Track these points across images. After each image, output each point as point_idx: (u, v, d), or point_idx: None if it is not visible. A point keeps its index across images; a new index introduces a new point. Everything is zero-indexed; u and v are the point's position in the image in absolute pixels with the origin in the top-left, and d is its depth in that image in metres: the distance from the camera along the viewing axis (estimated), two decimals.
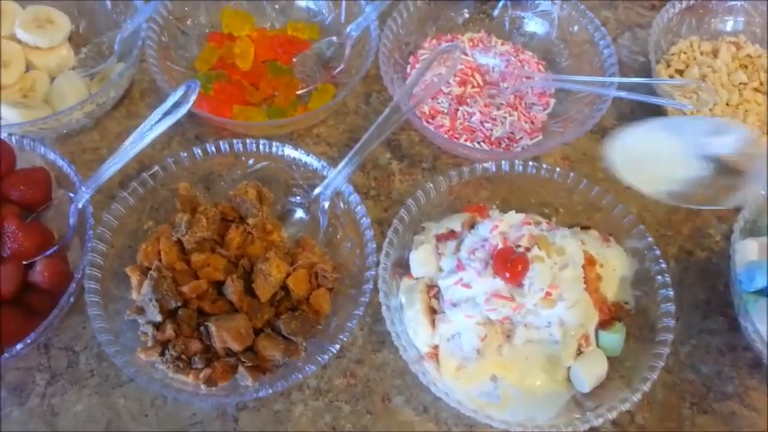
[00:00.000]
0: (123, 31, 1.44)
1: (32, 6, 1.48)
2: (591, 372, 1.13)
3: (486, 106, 1.45)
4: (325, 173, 1.26)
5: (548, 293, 1.09)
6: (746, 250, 1.20)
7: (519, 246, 1.12)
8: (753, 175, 1.09)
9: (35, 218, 1.24)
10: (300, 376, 1.07)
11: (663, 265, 1.18)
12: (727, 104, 1.45)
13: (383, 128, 1.23)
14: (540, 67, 1.56)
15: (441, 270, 1.19)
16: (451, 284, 1.15)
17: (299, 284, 1.18)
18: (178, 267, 1.16)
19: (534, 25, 1.59)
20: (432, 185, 1.25)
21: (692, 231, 1.37)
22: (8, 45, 1.43)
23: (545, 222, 1.25)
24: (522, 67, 1.53)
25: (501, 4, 1.60)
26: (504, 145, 1.42)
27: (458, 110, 1.45)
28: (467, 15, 1.61)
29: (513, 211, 1.21)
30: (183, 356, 1.11)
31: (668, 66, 1.53)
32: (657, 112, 1.46)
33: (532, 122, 1.46)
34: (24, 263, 1.15)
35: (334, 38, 1.52)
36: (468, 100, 1.46)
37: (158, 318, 1.11)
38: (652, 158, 1.18)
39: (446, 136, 1.41)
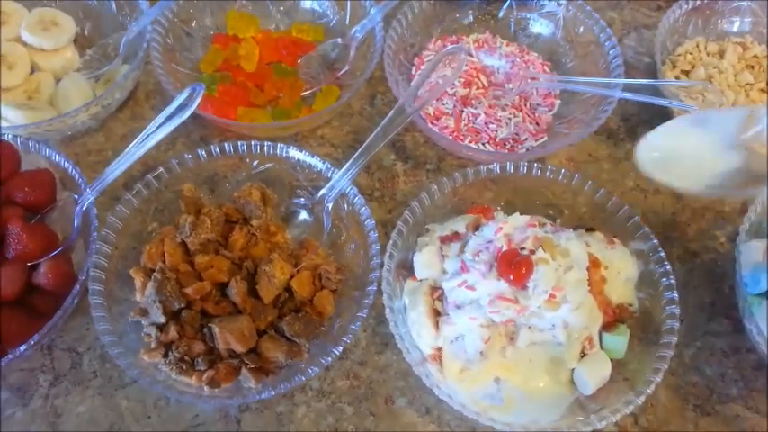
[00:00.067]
0: (128, 33, 1.44)
1: (38, 9, 1.49)
2: (594, 374, 1.12)
3: (490, 107, 1.45)
4: (329, 174, 1.26)
5: (552, 296, 1.09)
6: (752, 252, 1.20)
7: (523, 248, 1.12)
8: None
9: (39, 219, 1.24)
10: (303, 378, 1.08)
11: (667, 267, 1.17)
12: (733, 105, 1.44)
13: (388, 129, 1.23)
14: (546, 68, 1.56)
15: (445, 272, 1.19)
16: (455, 286, 1.14)
17: (303, 286, 1.18)
18: (182, 269, 1.17)
19: (539, 26, 1.59)
20: (436, 187, 1.25)
21: (696, 233, 1.36)
22: (13, 47, 1.44)
23: (549, 224, 1.25)
24: (527, 68, 1.53)
25: (506, 5, 1.59)
26: (508, 146, 1.41)
27: (462, 111, 1.45)
28: (472, 17, 1.61)
29: (518, 213, 1.20)
30: (186, 358, 1.11)
31: (674, 67, 1.52)
32: (663, 113, 1.46)
33: (537, 124, 1.45)
34: (28, 264, 1.15)
35: (339, 39, 1.52)
36: (473, 101, 1.46)
37: (162, 319, 1.12)
38: (683, 155, 1.16)
39: (451, 137, 1.41)
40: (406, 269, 1.23)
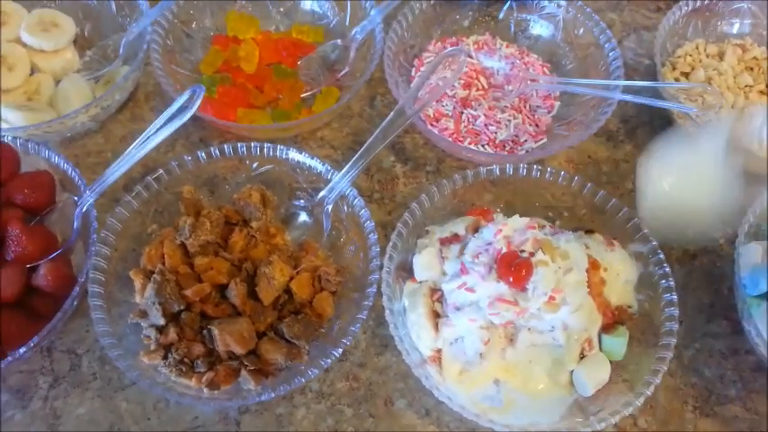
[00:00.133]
0: (128, 34, 1.44)
1: (37, 9, 1.49)
2: (594, 376, 1.13)
3: (490, 109, 1.45)
4: (329, 176, 1.26)
5: (551, 298, 1.09)
6: (751, 254, 1.20)
7: (523, 250, 1.12)
8: None
9: (39, 221, 1.24)
10: (303, 380, 1.08)
11: (667, 269, 1.18)
12: (733, 107, 1.44)
13: (388, 131, 1.23)
14: (545, 69, 1.56)
15: (444, 274, 1.19)
16: (455, 288, 1.14)
17: (303, 288, 1.18)
18: (181, 271, 1.16)
19: (539, 28, 1.59)
20: (436, 189, 1.25)
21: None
22: (13, 48, 1.44)
23: (549, 226, 1.25)
24: (527, 69, 1.53)
25: (506, 6, 1.59)
26: (508, 148, 1.41)
27: (462, 113, 1.45)
28: (472, 18, 1.61)
29: (518, 215, 1.20)
30: (185, 360, 1.11)
31: (674, 68, 1.52)
32: (663, 115, 1.46)
33: (537, 125, 1.45)
34: (28, 266, 1.15)
35: (339, 41, 1.52)
36: (473, 103, 1.46)
37: (161, 321, 1.12)
38: (683, 202, 1.15)
39: (450, 139, 1.41)
40: (406, 271, 1.23)
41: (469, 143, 1.41)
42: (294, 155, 1.28)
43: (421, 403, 1.17)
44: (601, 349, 1.16)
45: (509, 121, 1.44)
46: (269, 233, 1.24)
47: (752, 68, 1.51)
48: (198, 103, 1.16)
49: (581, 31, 1.53)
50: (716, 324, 1.26)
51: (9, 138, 1.26)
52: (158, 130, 1.16)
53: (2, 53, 1.42)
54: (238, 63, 1.50)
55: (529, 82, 1.49)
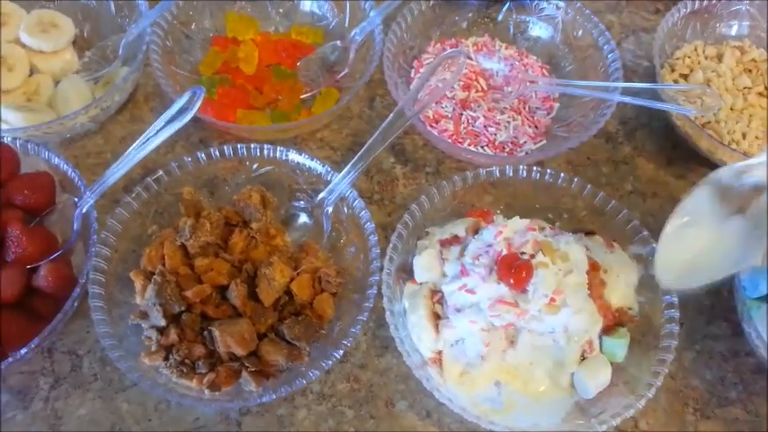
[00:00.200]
0: (128, 35, 1.44)
1: (37, 10, 1.49)
2: (595, 378, 1.13)
3: (489, 110, 1.45)
4: (328, 177, 1.26)
5: (552, 299, 1.09)
6: None
7: (523, 253, 1.12)
8: None
9: (39, 222, 1.24)
10: (304, 381, 1.07)
11: None
12: (731, 109, 1.44)
13: (387, 133, 1.24)
14: (544, 71, 1.56)
15: (444, 275, 1.19)
16: (455, 290, 1.14)
17: (303, 289, 1.18)
18: (182, 272, 1.16)
19: (538, 29, 1.59)
20: (435, 190, 1.26)
21: None
22: (12, 49, 1.44)
23: (549, 228, 1.25)
24: (526, 71, 1.53)
25: (505, 8, 1.60)
26: (507, 149, 1.42)
27: (462, 114, 1.45)
28: (471, 19, 1.61)
29: (518, 217, 1.20)
30: (186, 361, 1.11)
31: (672, 70, 1.52)
32: (662, 116, 1.47)
33: (536, 127, 1.46)
34: (28, 267, 1.15)
35: (339, 42, 1.52)
36: (472, 104, 1.46)
37: (162, 322, 1.11)
38: (698, 254, 1.11)
39: (450, 140, 1.41)
40: (406, 272, 1.23)
41: (469, 144, 1.41)
42: (294, 156, 1.28)
43: (422, 405, 1.17)
44: (602, 351, 1.16)
45: (508, 122, 1.44)
46: (269, 234, 1.24)
47: (750, 70, 1.51)
48: (198, 104, 1.16)
49: (580, 32, 1.53)
50: (716, 326, 1.26)
51: (9, 139, 1.25)
52: (158, 131, 1.16)
53: (2, 54, 1.42)
54: (238, 64, 1.50)
55: (528, 83, 1.49)
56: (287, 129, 1.43)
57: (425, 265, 1.21)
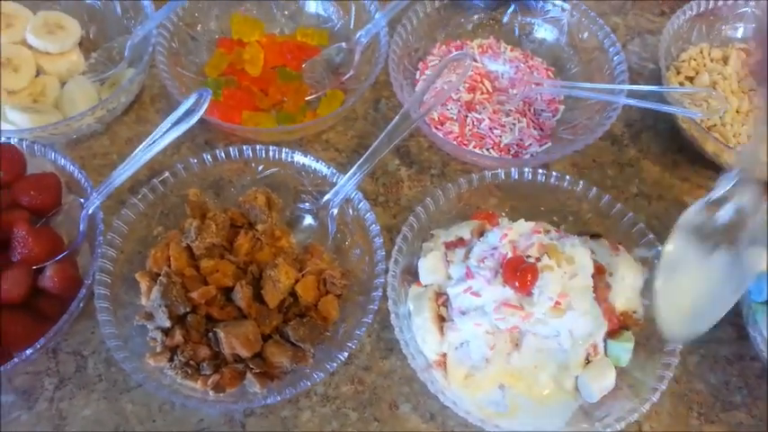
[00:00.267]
0: (134, 36, 1.44)
1: (43, 12, 1.49)
2: (599, 381, 1.13)
3: (495, 113, 1.45)
4: (334, 179, 1.26)
5: (557, 303, 1.09)
6: (756, 260, 1.20)
7: (529, 256, 1.12)
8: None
9: (45, 223, 1.24)
10: (309, 383, 1.07)
11: None
12: (737, 112, 1.44)
13: (393, 135, 1.24)
14: (550, 73, 1.56)
15: (450, 278, 1.19)
16: (460, 292, 1.14)
17: (308, 291, 1.18)
18: (187, 273, 1.17)
19: (544, 32, 1.59)
20: (441, 192, 1.26)
21: None
22: (19, 50, 1.44)
23: (554, 230, 1.25)
24: (532, 73, 1.53)
25: (511, 10, 1.60)
26: (513, 152, 1.42)
27: (467, 116, 1.45)
28: (477, 22, 1.61)
29: (523, 220, 1.20)
30: (191, 362, 1.11)
31: (678, 73, 1.52)
32: (667, 119, 1.46)
33: (541, 129, 1.46)
34: (34, 268, 1.15)
35: (344, 44, 1.52)
36: (478, 106, 1.46)
37: (167, 323, 1.12)
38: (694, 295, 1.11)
39: (455, 142, 1.41)
40: (411, 275, 1.23)
41: (474, 147, 1.41)
42: (299, 158, 1.28)
43: (426, 407, 1.17)
44: (606, 355, 1.16)
45: (513, 124, 1.44)
46: (274, 236, 1.24)
47: None
48: (205, 106, 1.16)
49: (585, 34, 1.53)
50: (721, 330, 1.25)
51: (15, 140, 1.26)
52: (165, 133, 1.17)
53: (8, 55, 1.42)
54: (243, 66, 1.50)
55: (533, 86, 1.49)
56: (292, 130, 1.43)
57: (430, 267, 1.21)
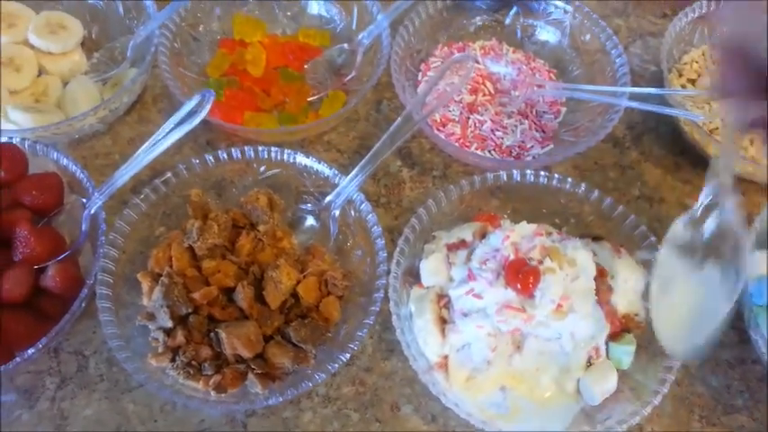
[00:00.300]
0: (136, 37, 1.44)
1: (45, 12, 1.49)
2: (601, 384, 1.13)
3: (497, 114, 1.45)
4: (336, 180, 1.26)
5: (559, 305, 1.09)
6: (757, 263, 1.20)
7: (531, 259, 1.12)
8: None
9: (47, 223, 1.24)
10: (310, 384, 1.07)
11: None
12: None
13: (395, 137, 1.23)
14: (552, 75, 1.56)
15: (451, 280, 1.19)
16: (462, 294, 1.14)
17: (309, 292, 1.18)
18: (189, 274, 1.17)
19: (546, 34, 1.59)
20: (443, 194, 1.25)
21: None
22: (21, 50, 1.44)
23: (556, 233, 1.25)
24: (534, 75, 1.53)
25: (513, 12, 1.60)
26: (515, 153, 1.42)
27: (469, 118, 1.45)
28: (479, 23, 1.61)
29: (525, 222, 1.20)
30: (193, 363, 1.11)
31: (680, 75, 1.52)
32: (669, 121, 1.46)
33: (543, 131, 1.46)
34: (36, 267, 1.15)
35: (346, 45, 1.52)
36: (480, 108, 1.46)
37: (169, 324, 1.12)
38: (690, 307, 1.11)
39: (457, 144, 1.41)
40: (413, 276, 1.23)
41: (476, 148, 1.41)
42: (301, 159, 1.28)
43: (427, 409, 1.17)
44: (608, 357, 1.16)
45: (515, 126, 1.44)
46: (276, 237, 1.24)
47: None
48: (208, 107, 1.16)
49: (587, 36, 1.53)
50: (722, 333, 1.25)
51: (17, 139, 1.26)
52: (168, 133, 1.17)
53: (10, 55, 1.42)
54: (245, 66, 1.50)
55: (535, 88, 1.49)
56: (294, 131, 1.43)
57: (432, 269, 1.21)
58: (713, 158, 1.09)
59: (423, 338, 1.16)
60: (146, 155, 1.18)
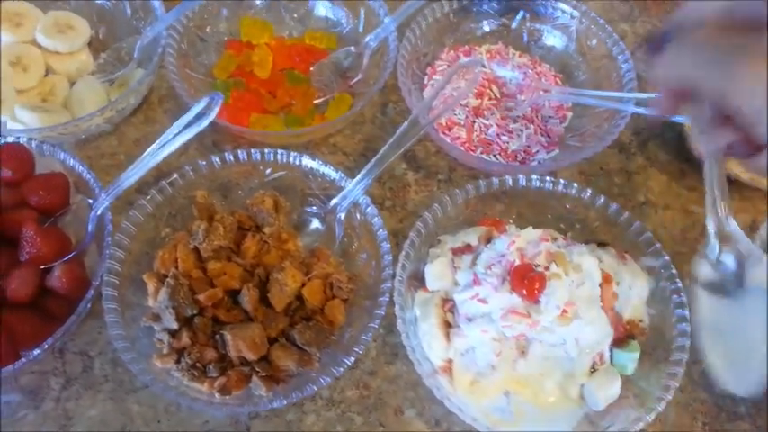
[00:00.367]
0: (143, 37, 1.44)
1: (53, 12, 1.49)
2: (605, 390, 1.13)
3: (502, 119, 1.45)
4: (342, 183, 1.26)
5: (564, 311, 1.09)
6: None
7: (537, 265, 1.12)
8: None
9: (53, 223, 1.24)
10: (314, 387, 1.07)
11: (679, 284, 1.17)
12: None
13: (401, 141, 1.23)
14: (558, 80, 1.56)
15: (456, 284, 1.19)
16: (467, 299, 1.14)
17: (314, 294, 1.18)
18: (194, 275, 1.17)
19: (552, 38, 1.59)
20: (448, 198, 1.26)
21: None
22: (28, 50, 1.44)
23: (561, 238, 1.25)
24: (540, 79, 1.53)
25: (520, 16, 1.60)
26: (520, 158, 1.42)
27: (474, 122, 1.45)
28: (486, 27, 1.61)
29: (531, 227, 1.20)
30: (197, 364, 1.11)
31: None
32: (675, 127, 1.46)
33: (549, 136, 1.46)
34: (42, 268, 1.16)
35: (352, 48, 1.52)
36: (485, 112, 1.46)
37: (174, 325, 1.12)
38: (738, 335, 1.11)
39: (462, 148, 1.41)
40: (418, 280, 1.23)
41: (481, 153, 1.41)
42: (307, 161, 1.28)
43: (431, 413, 1.18)
44: (612, 363, 1.16)
45: (521, 131, 1.44)
46: (281, 239, 1.24)
47: None
48: (216, 110, 1.16)
49: (594, 41, 1.53)
50: None
51: (24, 139, 1.26)
52: (175, 136, 1.17)
53: (17, 54, 1.42)
54: (252, 68, 1.50)
55: (541, 92, 1.49)
56: (300, 134, 1.43)
57: (437, 273, 1.21)
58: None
59: (427, 342, 1.16)
60: (153, 157, 1.18)
